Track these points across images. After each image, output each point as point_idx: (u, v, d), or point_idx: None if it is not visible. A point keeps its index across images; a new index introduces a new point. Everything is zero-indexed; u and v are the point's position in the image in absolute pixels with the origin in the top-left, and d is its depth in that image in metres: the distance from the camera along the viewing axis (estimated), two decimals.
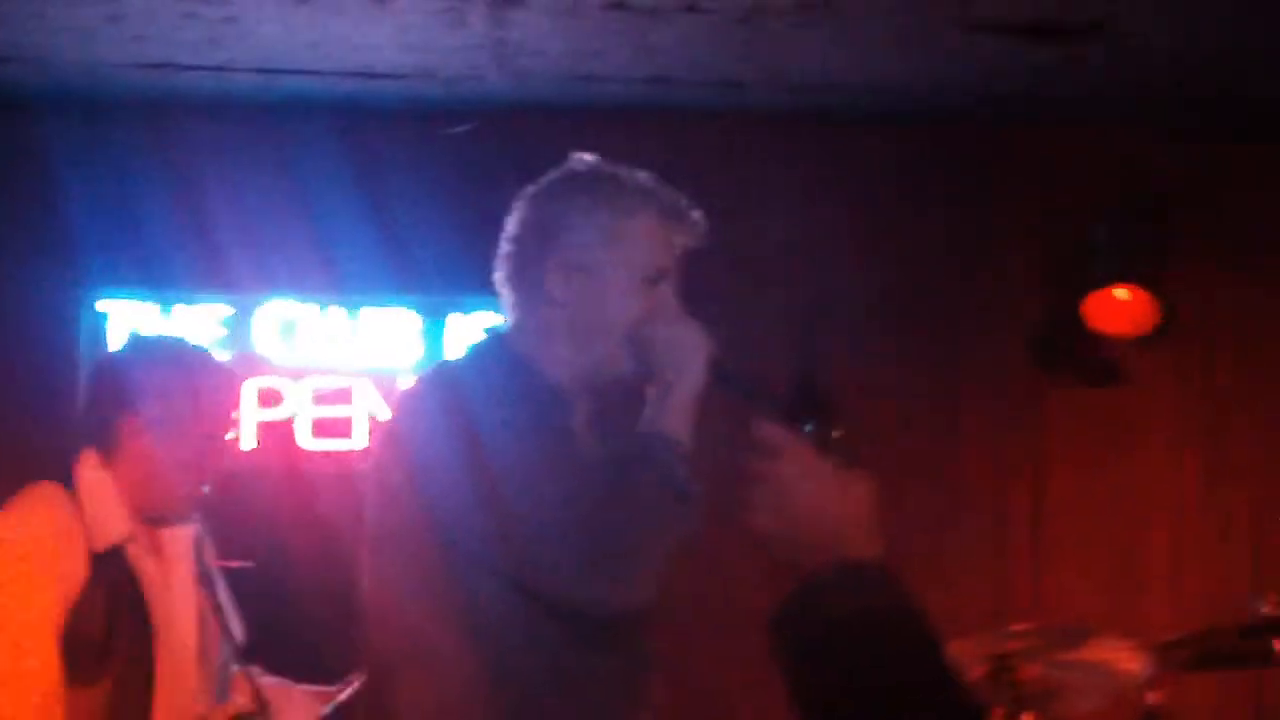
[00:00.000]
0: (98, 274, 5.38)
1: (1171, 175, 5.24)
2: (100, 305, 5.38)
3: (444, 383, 2.77)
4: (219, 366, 3.42)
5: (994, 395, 5.48)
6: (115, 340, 5.26)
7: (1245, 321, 5.47)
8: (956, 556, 5.29)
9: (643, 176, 2.84)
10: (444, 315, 5.45)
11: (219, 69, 5.12)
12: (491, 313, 5.34)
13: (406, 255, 5.37)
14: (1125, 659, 3.96)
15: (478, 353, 2.88)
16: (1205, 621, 4.24)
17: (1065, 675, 3.98)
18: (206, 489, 3.33)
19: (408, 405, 2.79)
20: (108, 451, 3.20)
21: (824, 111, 5.35)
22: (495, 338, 2.86)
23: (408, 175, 5.41)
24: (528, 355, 2.78)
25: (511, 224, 2.84)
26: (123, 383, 3.23)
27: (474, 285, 5.25)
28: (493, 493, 2.60)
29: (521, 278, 2.79)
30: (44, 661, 3.00)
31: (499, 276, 2.85)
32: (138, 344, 3.54)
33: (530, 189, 2.86)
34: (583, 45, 4.88)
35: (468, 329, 5.41)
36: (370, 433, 5.37)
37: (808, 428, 1.90)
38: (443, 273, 5.36)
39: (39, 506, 3.15)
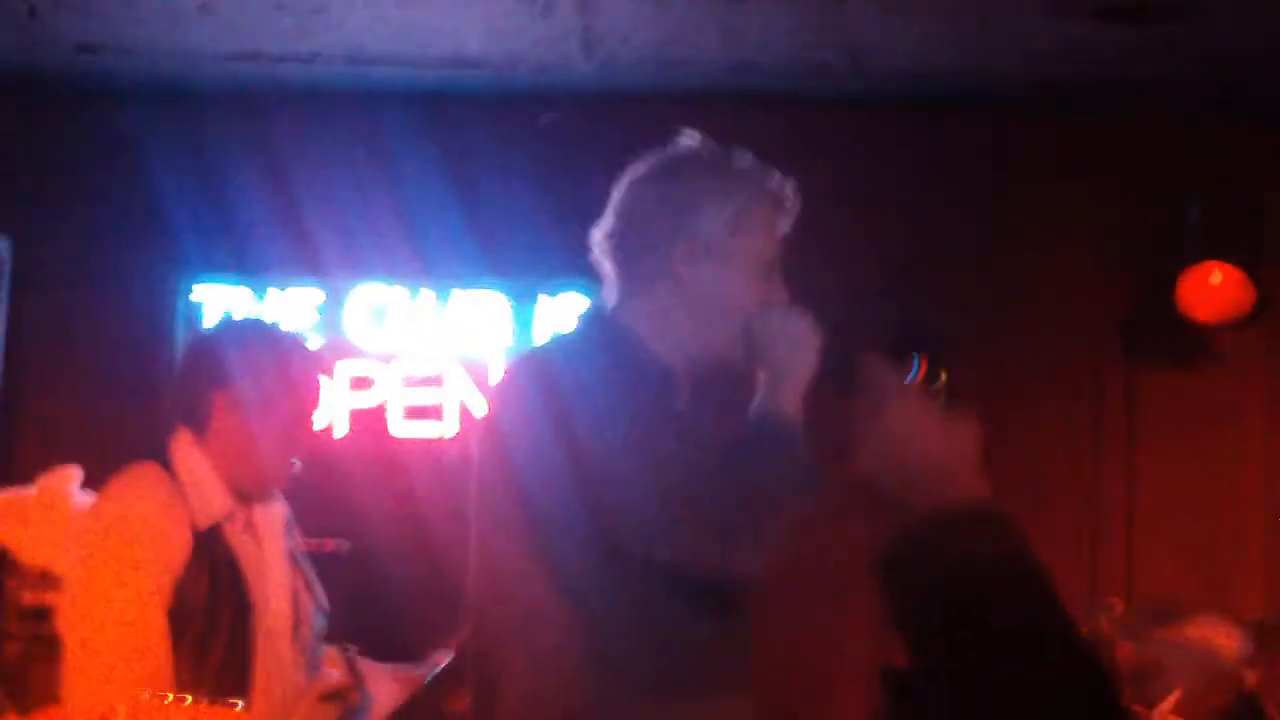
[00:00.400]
0: (193, 260, 5.45)
1: (1264, 158, 5.20)
2: (196, 291, 5.45)
3: (551, 361, 2.78)
4: (306, 346, 3.46)
5: (1087, 379, 5.46)
6: (207, 323, 5.33)
7: None
8: (1050, 541, 5.24)
9: (751, 160, 2.87)
10: (532, 298, 5.48)
11: (309, 59, 5.18)
12: (579, 295, 5.39)
13: (495, 240, 5.41)
14: (1221, 638, 3.95)
15: (586, 331, 2.89)
16: None
17: (1161, 654, 3.97)
18: (298, 466, 3.37)
19: (516, 384, 2.80)
20: (201, 430, 3.25)
21: (910, 97, 5.33)
22: (602, 316, 2.87)
23: (496, 161, 5.45)
24: (639, 334, 2.80)
25: (627, 202, 2.85)
26: (213, 361, 3.28)
27: (561, 269, 5.36)
28: (612, 472, 2.62)
29: (643, 257, 2.81)
30: (155, 638, 3.06)
31: (609, 253, 2.86)
32: (227, 324, 3.61)
33: (644, 168, 2.87)
34: (669, 32, 4.90)
35: (556, 311, 5.44)
36: (467, 415, 5.41)
37: (917, 359, 1.92)
38: (530, 257, 5.40)
39: (141, 486, 3.20)
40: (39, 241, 5.46)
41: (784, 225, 2.86)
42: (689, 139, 2.90)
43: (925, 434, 1.82)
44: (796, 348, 2.76)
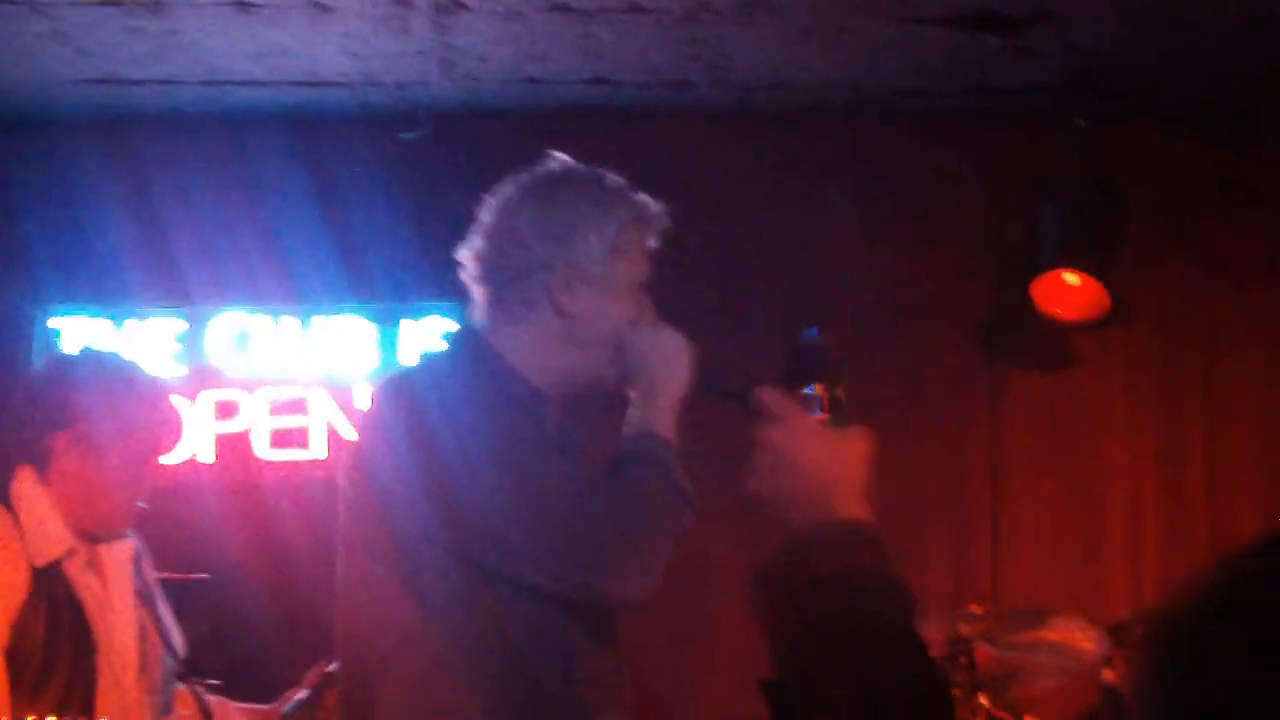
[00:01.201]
0: (50, 290, 5.36)
1: (1118, 161, 5.28)
2: (53, 322, 5.35)
3: (417, 384, 2.76)
4: (149, 381, 3.39)
5: (950, 381, 5.51)
6: (41, 357, 5.23)
7: (1192, 305, 5.51)
8: (916, 542, 5.31)
9: (622, 181, 2.88)
10: (396, 322, 5.44)
11: (165, 82, 5.11)
12: (443, 317, 5.36)
13: (358, 262, 5.37)
14: (1081, 639, 4.00)
15: (455, 352, 2.87)
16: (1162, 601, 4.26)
17: (1021, 656, 4.02)
18: (143, 505, 3.32)
19: (381, 409, 2.78)
20: (42, 468, 3.20)
21: (770, 108, 5.37)
22: (472, 338, 2.85)
23: (358, 182, 5.41)
24: (510, 357, 2.80)
25: (499, 225, 2.83)
26: (51, 400, 3.23)
27: (425, 291, 5.33)
28: (483, 497, 2.62)
29: (518, 283, 2.80)
30: None
31: (480, 276, 2.84)
32: (65, 361, 3.53)
33: (515, 190, 2.85)
34: (527, 48, 4.89)
35: (420, 334, 5.40)
36: (334, 439, 5.37)
37: (809, 389, 1.95)
38: (395, 279, 5.36)
39: None
40: None
41: (655, 244, 2.87)
42: (557, 160, 2.89)
43: (812, 460, 1.89)
44: (668, 365, 2.76)
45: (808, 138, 5.45)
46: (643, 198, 2.87)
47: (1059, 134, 5.23)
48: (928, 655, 1.79)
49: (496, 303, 2.82)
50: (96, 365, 3.40)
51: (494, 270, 2.82)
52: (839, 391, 1.98)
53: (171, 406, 3.43)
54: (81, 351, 4.80)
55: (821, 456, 1.89)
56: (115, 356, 3.52)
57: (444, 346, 2.98)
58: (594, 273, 2.80)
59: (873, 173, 5.51)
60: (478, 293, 2.85)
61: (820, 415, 1.96)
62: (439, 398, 2.70)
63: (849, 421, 1.96)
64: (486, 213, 2.86)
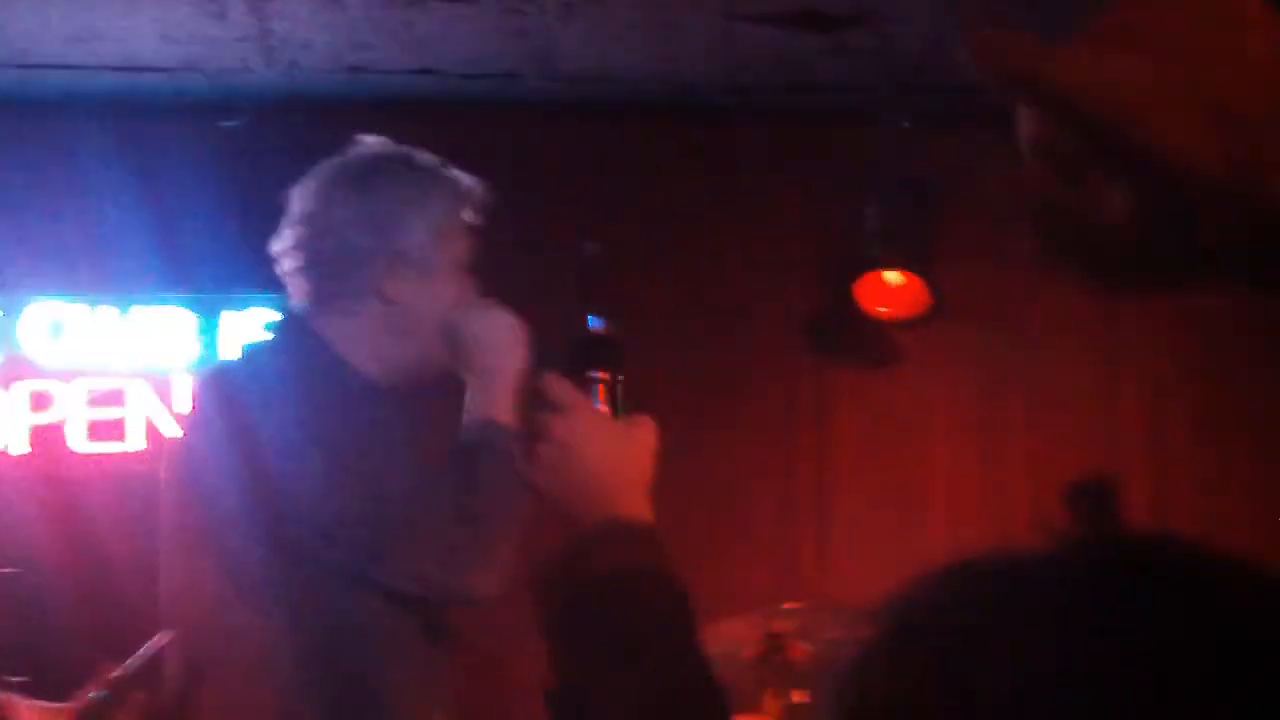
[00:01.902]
0: None
1: (935, 161, 5.34)
2: None
3: (240, 377, 2.70)
4: None
5: (775, 378, 5.55)
6: None
7: (1010, 304, 5.60)
8: (739, 539, 5.34)
9: (438, 161, 2.83)
10: (217, 312, 5.35)
11: None
12: (264, 308, 5.28)
13: (178, 252, 5.27)
14: None
15: (278, 343, 2.80)
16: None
17: (838, 653, 4.05)
18: None
19: (202, 402, 2.72)
20: None
21: (597, 102, 5.36)
22: (295, 327, 2.79)
23: (178, 171, 5.31)
24: (336, 347, 2.74)
25: (315, 212, 2.77)
26: None
27: (246, 281, 5.25)
28: (313, 491, 2.56)
29: (341, 273, 2.74)
30: None
31: (299, 267, 2.77)
32: None
33: (329, 175, 2.79)
34: (349, 36, 4.83)
35: (241, 325, 5.32)
36: (152, 431, 5.27)
37: (593, 374, 1.92)
38: (216, 269, 5.27)
39: None
40: None
41: (475, 220, 2.82)
42: (367, 144, 2.85)
43: (595, 453, 1.85)
44: (500, 347, 2.71)
45: (633, 132, 5.45)
46: (458, 174, 2.83)
47: (882, 133, 5.28)
48: (704, 662, 1.75)
49: (319, 294, 2.76)
50: None
51: (314, 262, 2.76)
52: (620, 379, 1.96)
53: None
54: None
55: (605, 450, 1.85)
56: None
57: (267, 338, 2.91)
58: (418, 257, 2.75)
59: (698, 169, 5.53)
60: (298, 285, 2.79)
61: (603, 405, 1.93)
62: (264, 391, 2.64)
63: (632, 411, 1.93)
64: (300, 202, 2.80)
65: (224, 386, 2.70)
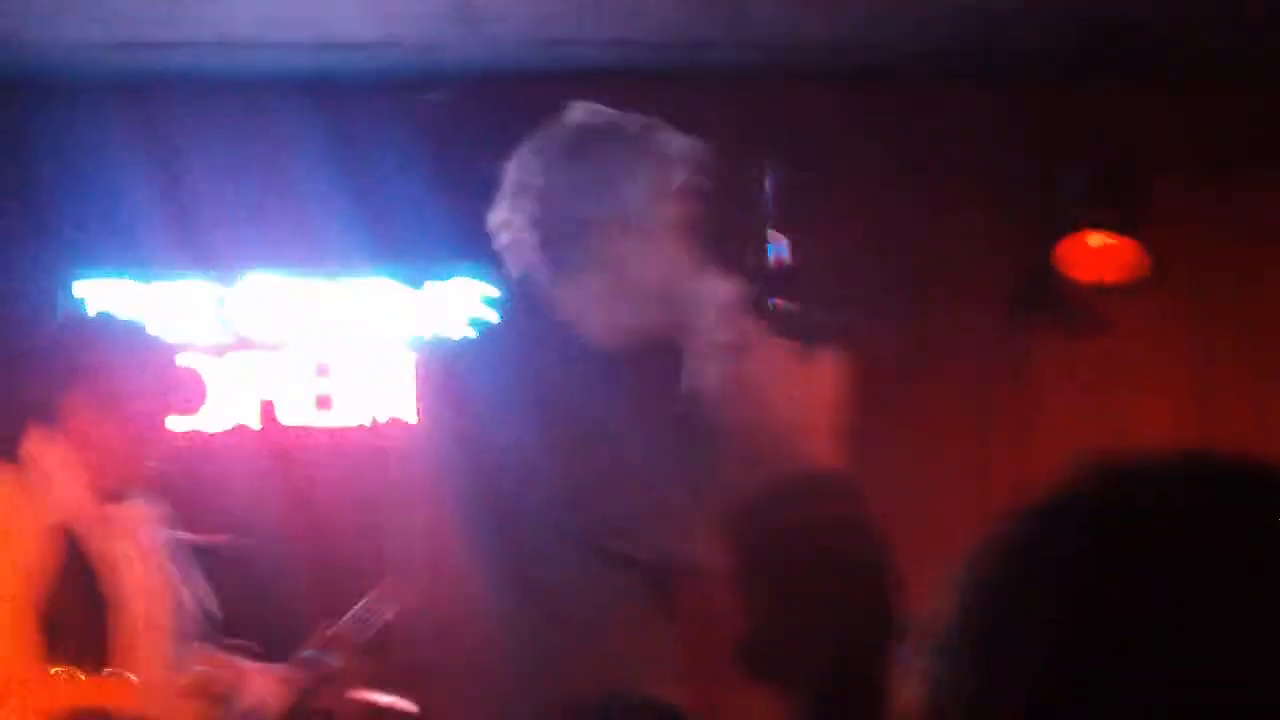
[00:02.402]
0: (75, 254, 5.38)
1: (1148, 122, 5.24)
2: (78, 286, 5.37)
3: (474, 349, 2.71)
4: (158, 343, 3.43)
5: (976, 346, 5.49)
6: (53, 320, 5.26)
7: (1228, 269, 5.46)
8: (938, 508, 5.30)
9: (644, 119, 2.79)
10: (422, 284, 5.44)
11: (184, 46, 5.11)
12: (471, 280, 5.37)
13: (383, 225, 5.37)
14: None
15: (510, 316, 2.81)
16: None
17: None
18: (155, 464, 3.34)
19: (444, 378, 2.74)
20: (53, 427, 3.23)
21: (790, 69, 5.34)
22: (526, 299, 2.77)
23: (382, 145, 5.40)
24: (567, 316, 2.73)
25: (534, 183, 2.74)
26: (62, 360, 3.25)
27: (451, 252, 5.33)
28: (564, 456, 2.56)
29: (565, 241, 2.72)
30: (22, 645, 3.03)
31: (523, 238, 2.74)
32: (75, 322, 3.57)
33: (544, 145, 2.77)
34: (548, 9, 4.88)
35: (446, 296, 5.41)
36: (362, 404, 5.37)
37: (775, 303, 1.86)
38: (420, 241, 5.36)
39: None
40: None
41: (694, 180, 2.77)
42: (578, 110, 2.82)
43: (779, 391, 1.80)
44: (720, 311, 2.60)
45: (821, 100, 5.42)
46: (675, 136, 2.79)
47: (1081, 94, 5.20)
48: (899, 604, 1.72)
49: (543, 264, 2.74)
50: (106, 326, 3.44)
51: (536, 232, 2.75)
52: (803, 308, 1.88)
53: (183, 369, 3.46)
54: (91, 313, 4.85)
55: (791, 392, 1.80)
56: (124, 319, 3.55)
57: (496, 313, 2.91)
58: (638, 221, 2.72)
59: (894, 133, 5.48)
60: (520, 256, 2.77)
61: (788, 338, 1.85)
62: (498, 362, 2.66)
63: (820, 341, 1.86)
64: (516, 172, 2.77)
65: (457, 359, 2.73)
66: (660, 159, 2.75)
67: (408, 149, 5.37)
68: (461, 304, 5.38)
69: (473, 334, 2.99)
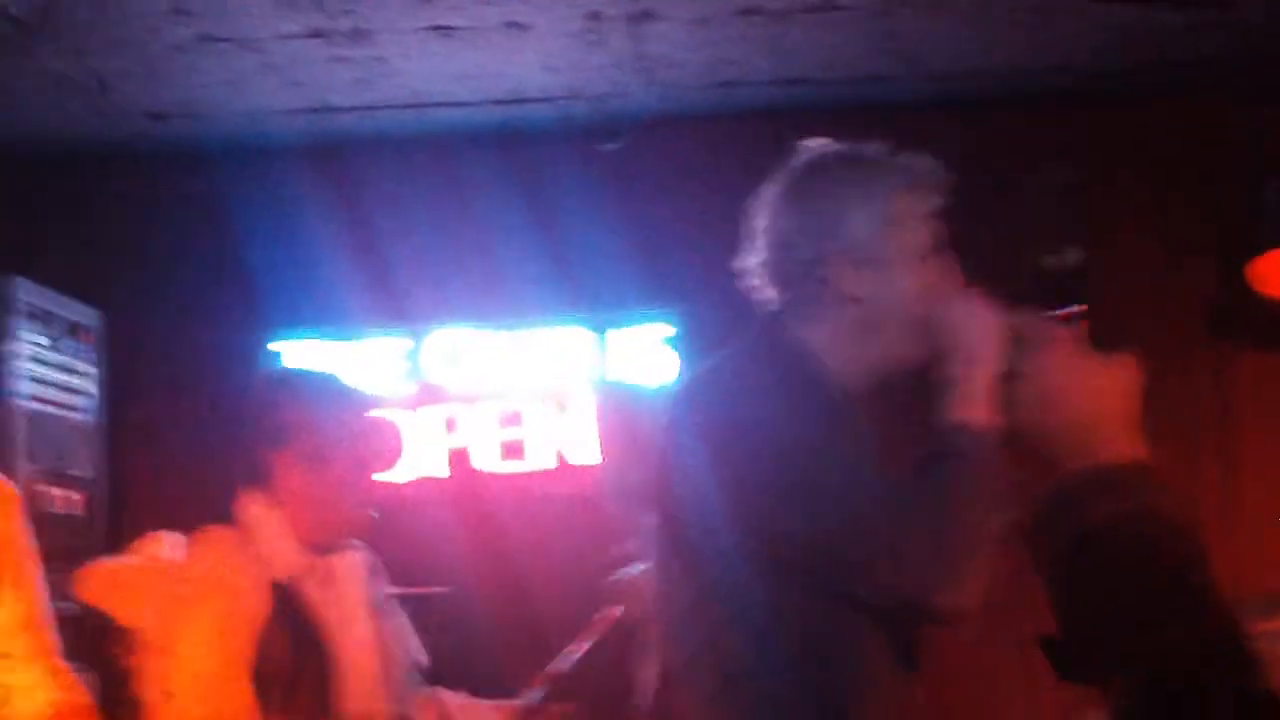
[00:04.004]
0: (272, 314, 5.53)
1: None
2: (275, 345, 5.52)
3: (721, 384, 2.65)
4: (358, 393, 3.49)
5: (1176, 367, 5.41)
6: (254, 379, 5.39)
7: None
8: None
9: (879, 148, 2.71)
10: (612, 329, 5.51)
11: (372, 108, 5.25)
12: (656, 325, 5.42)
13: (568, 273, 5.45)
14: None
15: (757, 350, 2.79)
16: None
17: (1265, 645, 3.90)
18: (374, 514, 3.41)
19: (685, 409, 2.67)
20: (267, 487, 3.30)
21: (965, 98, 5.32)
22: (771, 334, 2.71)
23: (565, 194, 5.48)
24: (813, 351, 2.66)
25: (769, 224, 2.70)
26: (268, 419, 3.31)
27: (638, 298, 5.39)
28: (804, 497, 2.50)
29: (800, 280, 2.67)
30: (240, 697, 3.11)
31: (766, 280, 2.70)
32: (276, 380, 3.63)
33: (774, 190, 2.68)
34: (721, 54, 4.91)
35: (633, 342, 5.46)
36: (555, 451, 5.46)
37: (1069, 308, 1.83)
38: (605, 288, 5.43)
39: (212, 549, 3.27)
40: (127, 311, 5.55)
41: (935, 203, 2.67)
42: (811, 148, 2.78)
43: (1077, 386, 1.79)
44: (977, 336, 2.51)
45: (1007, 124, 5.39)
46: (909, 160, 2.71)
47: (1274, 109, 5.11)
48: (1216, 601, 1.66)
49: (785, 306, 2.70)
50: (307, 381, 3.50)
51: (775, 273, 2.69)
52: (1093, 313, 1.84)
53: (381, 422, 3.52)
54: (289, 370, 4.97)
55: (1089, 387, 1.78)
56: (322, 372, 3.62)
57: (744, 344, 2.87)
58: (871, 251, 2.62)
59: (1080, 156, 5.43)
60: (766, 295, 2.71)
61: (1082, 340, 1.81)
62: (748, 397, 2.60)
63: (1112, 345, 1.82)
64: (755, 215, 2.76)
65: (701, 393, 2.69)
66: (891, 186, 2.66)
67: (590, 196, 5.45)
68: (645, 347, 5.43)
69: (718, 367, 2.93)
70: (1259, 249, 5.05)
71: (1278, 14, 4.70)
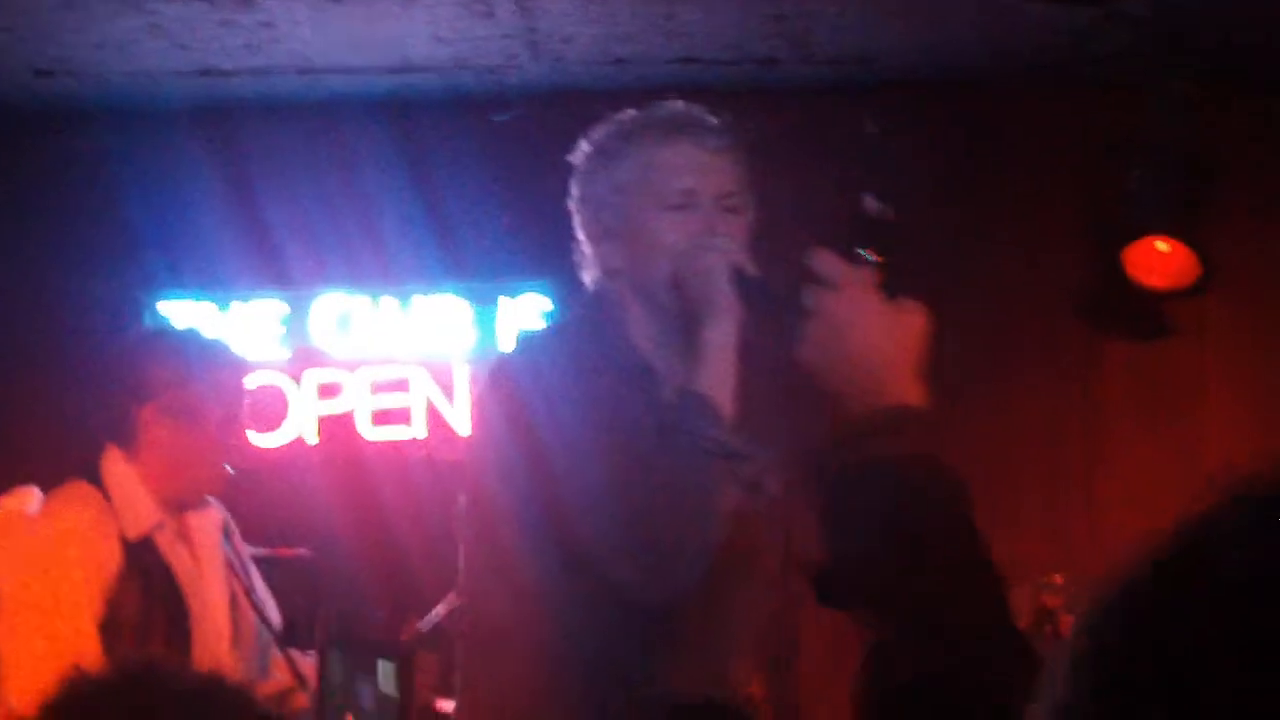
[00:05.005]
0: (156, 277, 5.50)
1: (1211, 129, 5.23)
2: (160, 306, 5.49)
3: (526, 362, 2.67)
4: (224, 351, 3.51)
5: (1043, 352, 5.51)
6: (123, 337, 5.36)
7: None
8: (1008, 511, 5.31)
9: (673, 105, 2.69)
10: (493, 300, 5.52)
11: (261, 72, 5.23)
12: (538, 295, 5.45)
13: (454, 243, 5.46)
14: None
15: (567, 322, 2.79)
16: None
17: (1045, 596, 4.00)
18: (231, 471, 3.42)
19: (493, 385, 2.68)
20: (128, 444, 3.31)
21: (858, 83, 5.39)
22: (589, 311, 2.70)
23: (452, 165, 5.50)
24: (622, 329, 2.64)
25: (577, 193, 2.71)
26: (133, 375, 3.33)
27: (521, 269, 5.42)
28: (563, 474, 2.51)
29: (590, 244, 2.66)
30: (83, 648, 3.12)
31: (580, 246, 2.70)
32: (142, 336, 3.65)
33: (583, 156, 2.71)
34: (612, 29, 4.94)
35: (516, 313, 5.49)
36: (434, 418, 5.46)
37: (866, 253, 1.86)
38: (490, 258, 5.45)
39: (69, 503, 3.28)
40: (5, 266, 5.50)
41: (715, 158, 2.62)
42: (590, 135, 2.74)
43: (867, 327, 1.81)
44: (712, 293, 2.50)
45: (894, 111, 5.46)
46: (689, 110, 2.68)
47: (1151, 100, 5.19)
48: (981, 546, 1.71)
49: (593, 259, 2.69)
50: (173, 338, 3.53)
51: (584, 233, 2.69)
52: (892, 261, 1.88)
53: (255, 383, 3.51)
54: (156, 327, 4.95)
55: (878, 329, 1.80)
56: (189, 330, 3.63)
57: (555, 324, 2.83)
58: (609, 221, 2.62)
59: (962, 142, 5.51)
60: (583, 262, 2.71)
61: (875, 285, 1.84)
62: (556, 367, 2.59)
63: (903, 291, 1.86)
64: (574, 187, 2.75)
65: (506, 372, 2.66)
66: (640, 145, 2.65)
67: (477, 167, 5.46)
68: (526, 319, 5.45)
69: (527, 347, 2.92)
70: (1129, 237, 5.14)
71: (1161, 7, 4.79)
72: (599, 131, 2.74)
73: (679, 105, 2.72)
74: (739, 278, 2.52)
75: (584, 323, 2.72)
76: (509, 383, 2.65)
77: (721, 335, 2.51)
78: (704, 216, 2.59)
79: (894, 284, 1.86)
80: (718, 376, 2.50)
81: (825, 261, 1.86)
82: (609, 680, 2.60)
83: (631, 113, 2.74)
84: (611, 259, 2.65)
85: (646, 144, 2.65)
